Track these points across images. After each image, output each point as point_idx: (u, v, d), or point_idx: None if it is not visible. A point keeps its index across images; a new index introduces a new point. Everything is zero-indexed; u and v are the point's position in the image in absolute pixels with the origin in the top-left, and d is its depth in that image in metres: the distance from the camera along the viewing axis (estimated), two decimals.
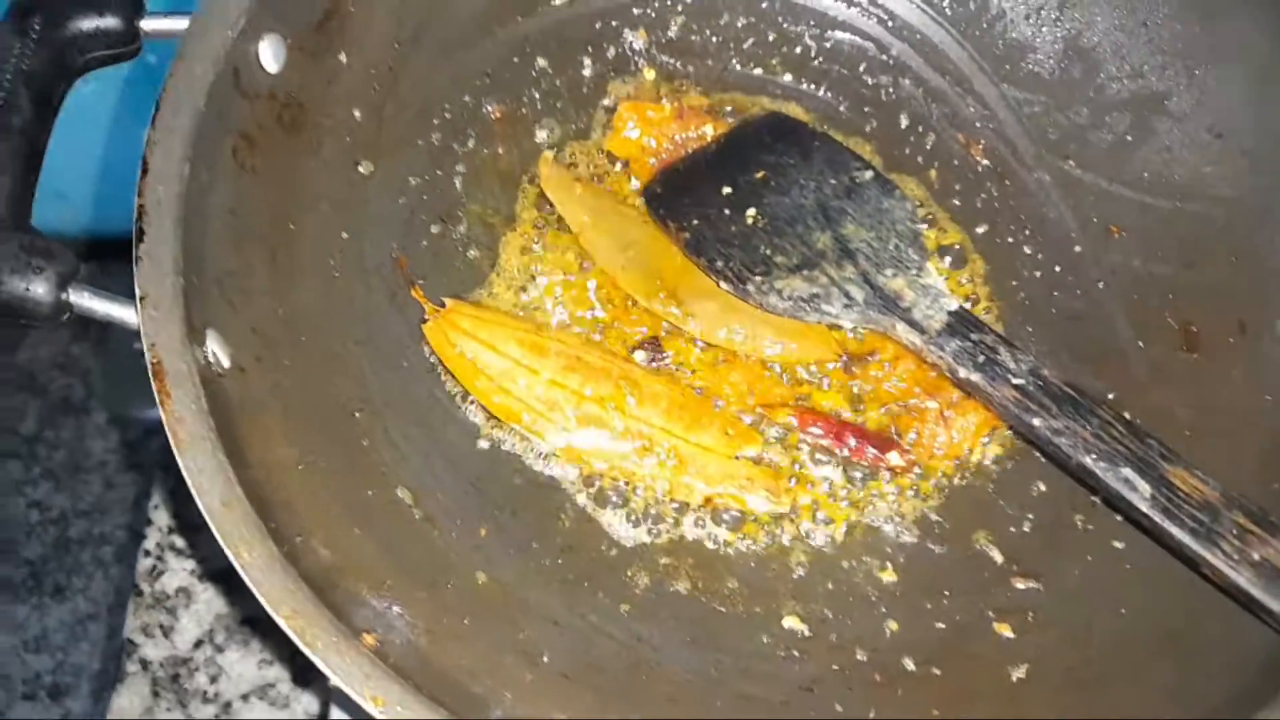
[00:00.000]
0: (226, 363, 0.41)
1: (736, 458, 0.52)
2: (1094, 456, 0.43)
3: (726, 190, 0.56)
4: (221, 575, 0.72)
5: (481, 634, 0.43)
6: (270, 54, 0.47)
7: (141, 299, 0.38)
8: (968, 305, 0.53)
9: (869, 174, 0.56)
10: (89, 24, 0.43)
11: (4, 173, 0.38)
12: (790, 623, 0.48)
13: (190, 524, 0.74)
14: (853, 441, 0.52)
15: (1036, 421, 0.45)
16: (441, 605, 0.43)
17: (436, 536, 0.46)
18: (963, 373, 0.47)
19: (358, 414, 0.48)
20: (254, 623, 0.70)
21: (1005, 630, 0.46)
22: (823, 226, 0.54)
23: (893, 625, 0.48)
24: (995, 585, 0.49)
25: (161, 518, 0.76)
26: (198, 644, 0.70)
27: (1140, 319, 0.53)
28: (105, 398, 1.62)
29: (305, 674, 0.68)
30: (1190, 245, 0.53)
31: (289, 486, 0.40)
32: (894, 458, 0.52)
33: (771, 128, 0.59)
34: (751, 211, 0.55)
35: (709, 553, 0.51)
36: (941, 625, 0.47)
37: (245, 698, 0.68)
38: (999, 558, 0.50)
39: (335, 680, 0.33)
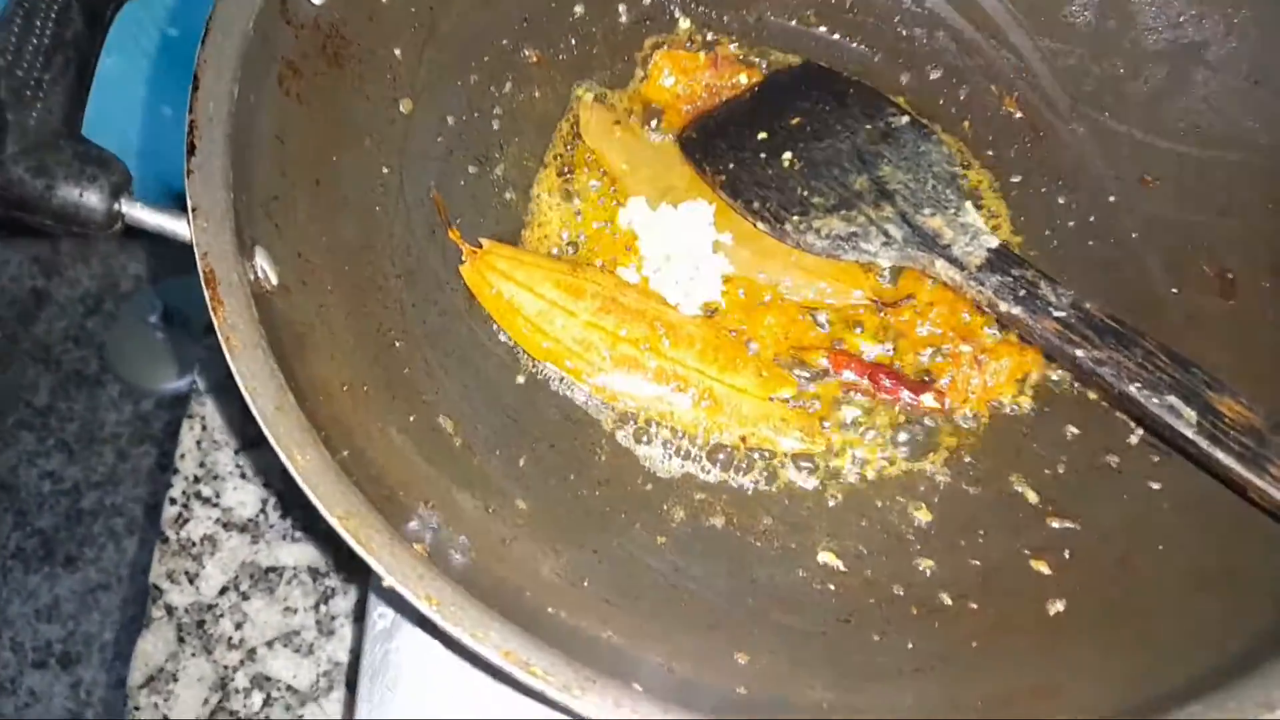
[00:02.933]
0: (275, 280, 0.41)
1: (770, 399, 0.53)
2: (1138, 385, 0.43)
3: (762, 136, 0.56)
4: (247, 524, 0.72)
5: (524, 556, 0.43)
6: None
7: (193, 210, 0.38)
8: None
9: (905, 119, 0.56)
10: None
11: (57, 84, 0.38)
12: (825, 558, 0.49)
13: (216, 473, 0.74)
14: (887, 383, 0.52)
15: (1079, 353, 0.45)
16: (483, 526, 0.43)
17: (476, 463, 0.47)
18: (1004, 307, 0.48)
19: (398, 344, 0.48)
20: (278, 571, 0.71)
21: (1042, 567, 0.47)
22: (859, 169, 0.54)
23: (928, 562, 0.48)
24: (1031, 525, 0.49)
25: (188, 466, 0.76)
26: (223, 591, 0.70)
27: (1175, 267, 0.53)
28: (118, 370, 1.63)
29: (329, 623, 0.69)
30: (1226, 193, 0.53)
31: (335, 405, 0.41)
32: (928, 399, 0.52)
33: (806, 76, 0.59)
34: (787, 155, 0.55)
35: (743, 490, 0.51)
36: (977, 562, 0.48)
37: (270, 644, 0.69)
38: (1034, 498, 0.50)
39: (389, 580, 0.33)
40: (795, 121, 0.56)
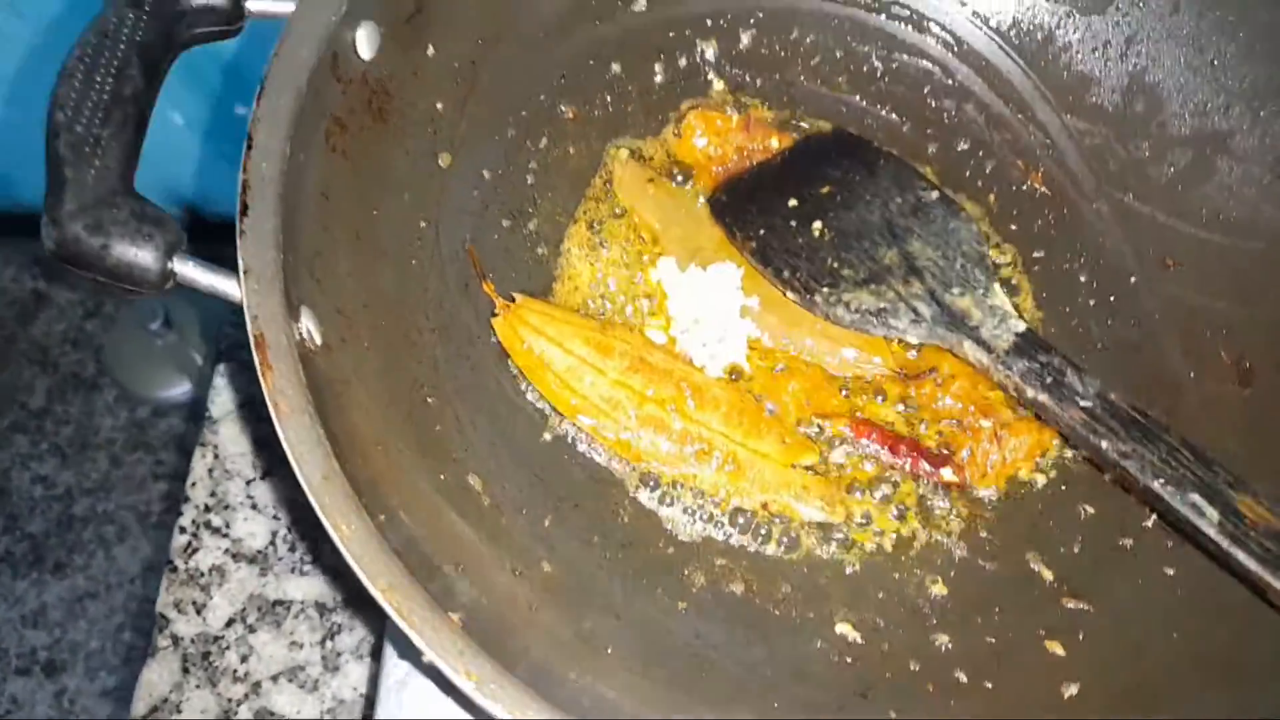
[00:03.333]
0: (319, 339, 0.41)
1: (793, 467, 0.53)
2: (1162, 481, 0.44)
3: (792, 203, 0.57)
4: (256, 556, 0.72)
5: (550, 623, 0.43)
6: (366, 41, 0.48)
7: (245, 272, 0.39)
8: None
9: (934, 194, 0.57)
10: (199, 0, 0.44)
11: (116, 141, 0.39)
12: (843, 629, 0.49)
13: (227, 503, 0.74)
14: (906, 454, 0.53)
15: (1104, 444, 0.45)
16: (510, 591, 0.44)
17: (504, 524, 0.47)
18: (1030, 393, 0.48)
19: (430, 400, 0.49)
20: (286, 605, 0.71)
21: (1056, 648, 0.47)
22: (889, 243, 0.55)
23: (944, 638, 0.49)
24: (1045, 604, 0.49)
25: (199, 495, 0.76)
26: (229, 623, 0.70)
27: (1194, 351, 0.54)
28: (116, 376, 1.62)
29: (335, 659, 0.69)
30: (1246, 281, 0.54)
31: (372, 466, 0.41)
32: (947, 473, 0.52)
33: (838, 144, 0.60)
34: (818, 225, 0.56)
35: (763, 556, 0.51)
36: (992, 640, 0.48)
37: (275, 679, 0.69)
38: (1049, 576, 0.50)
39: (430, 655, 0.33)
40: (826, 190, 0.57)
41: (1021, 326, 0.51)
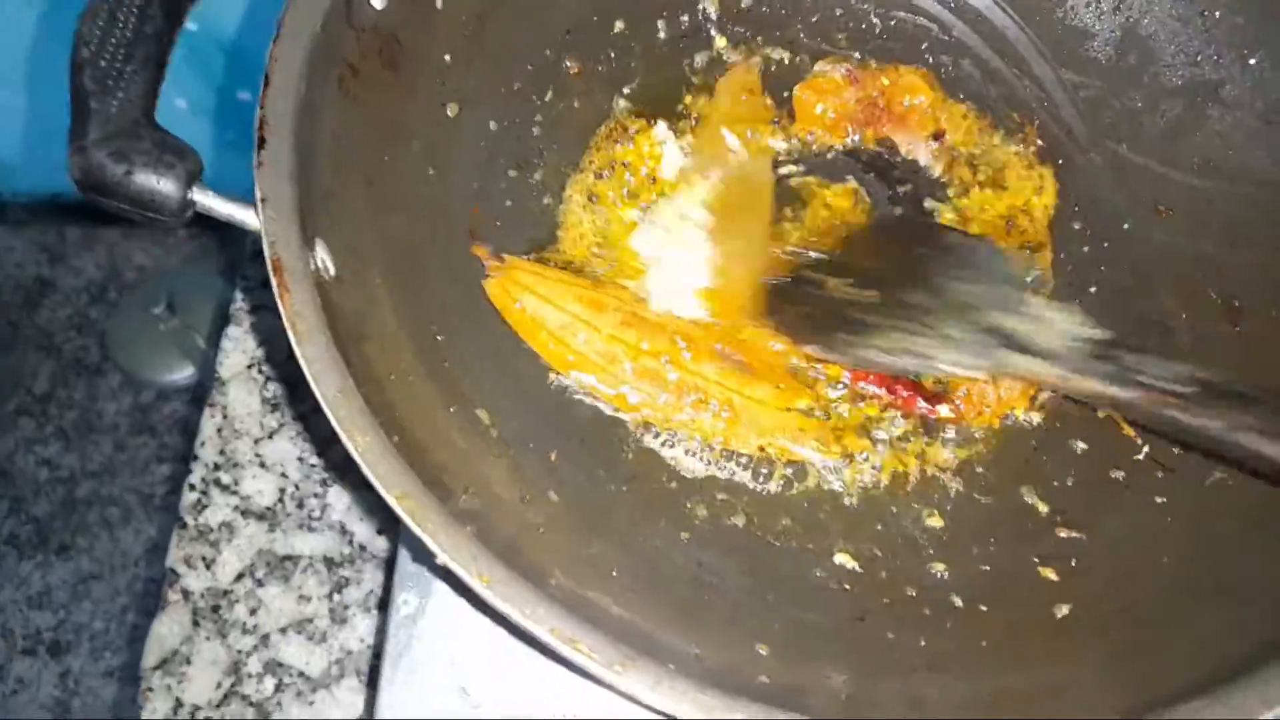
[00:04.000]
0: (333, 270, 0.43)
1: (788, 410, 0.54)
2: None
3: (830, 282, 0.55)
4: (264, 513, 0.73)
5: (557, 544, 0.45)
6: None
7: (262, 200, 0.40)
8: None
9: (958, 235, 0.55)
10: None
11: (138, 75, 0.40)
12: (841, 559, 0.50)
13: (236, 461, 0.75)
14: (904, 393, 0.54)
15: (1209, 423, 0.44)
16: (519, 515, 0.45)
17: (512, 454, 0.48)
18: (1117, 392, 0.47)
19: (439, 337, 0.50)
20: (294, 559, 0.72)
21: (1050, 574, 0.49)
22: (914, 283, 0.52)
23: (940, 566, 0.50)
24: (1040, 534, 0.51)
25: (208, 453, 0.77)
26: (238, 577, 0.71)
27: (1185, 293, 0.56)
28: (120, 360, 1.63)
29: (343, 611, 0.70)
30: (1236, 226, 0.55)
31: (386, 392, 0.42)
32: (944, 410, 0.54)
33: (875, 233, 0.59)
34: (836, 281, 0.54)
35: (764, 492, 0.53)
36: (987, 568, 0.50)
37: (283, 631, 0.70)
38: (1043, 509, 0.52)
39: (443, 557, 0.35)
40: (866, 266, 0.55)
41: (1102, 334, 0.48)
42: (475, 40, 0.56)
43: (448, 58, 0.55)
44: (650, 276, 0.56)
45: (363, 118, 0.49)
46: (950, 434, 0.54)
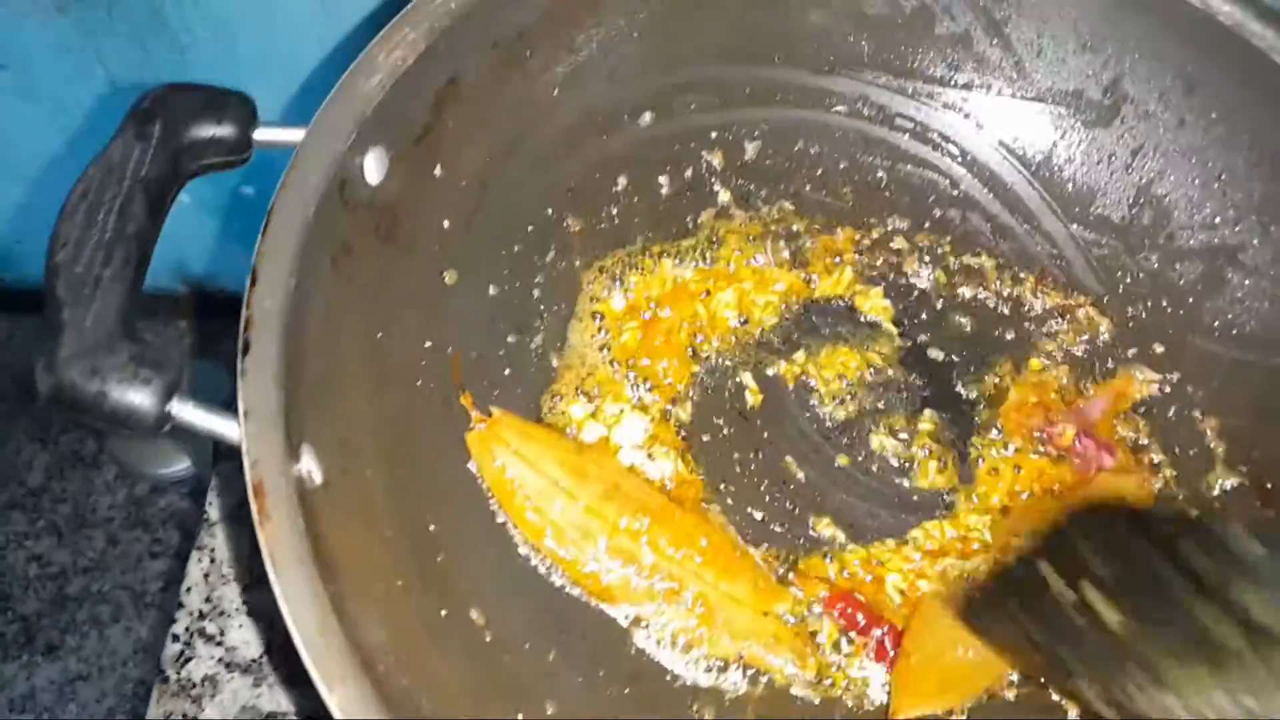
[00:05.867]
0: (320, 478, 0.40)
1: (765, 614, 0.51)
2: None
3: (1065, 594, 0.46)
4: (250, 666, 0.70)
5: None
6: (374, 166, 0.48)
7: (245, 413, 0.38)
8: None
9: (1238, 528, 0.44)
10: (206, 132, 0.44)
11: (117, 281, 0.38)
12: None
13: (222, 609, 0.72)
14: (877, 635, 0.51)
15: None
16: None
17: (508, 661, 0.46)
18: None
19: (433, 527, 0.48)
20: (280, 718, 0.68)
21: None
22: (1216, 610, 0.42)
23: None
24: None
25: (194, 601, 0.74)
26: None
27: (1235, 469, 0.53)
28: (115, 453, 1.61)
29: None
30: (1263, 399, 0.53)
31: (372, 607, 0.40)
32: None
33: (1074, 520, 0.50)
34: (1112, 613, 0.44)
35: (774, 690, 0.50)
36: None
37: None
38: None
39: None
40: (1107, 571, 0.46)
41: None
42: (475, 204, 0.55)
43: (446, 224, 0.53)
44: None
45: (356, 297, 0.47)
46: None
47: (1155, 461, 0.55)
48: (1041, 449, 0.55)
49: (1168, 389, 0.56)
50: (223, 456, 0.77)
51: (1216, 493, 0.53)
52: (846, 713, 0.49)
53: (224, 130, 0.44)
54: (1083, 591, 0.44)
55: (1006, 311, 0.60)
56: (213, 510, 0.75)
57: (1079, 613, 0.44)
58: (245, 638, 0.71)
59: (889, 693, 0.49)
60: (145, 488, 1.62)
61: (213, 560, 0.74)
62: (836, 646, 0.51)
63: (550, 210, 0.58)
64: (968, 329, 0.59)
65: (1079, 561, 0.45)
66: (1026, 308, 0.60)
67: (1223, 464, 0.54)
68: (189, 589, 0.75)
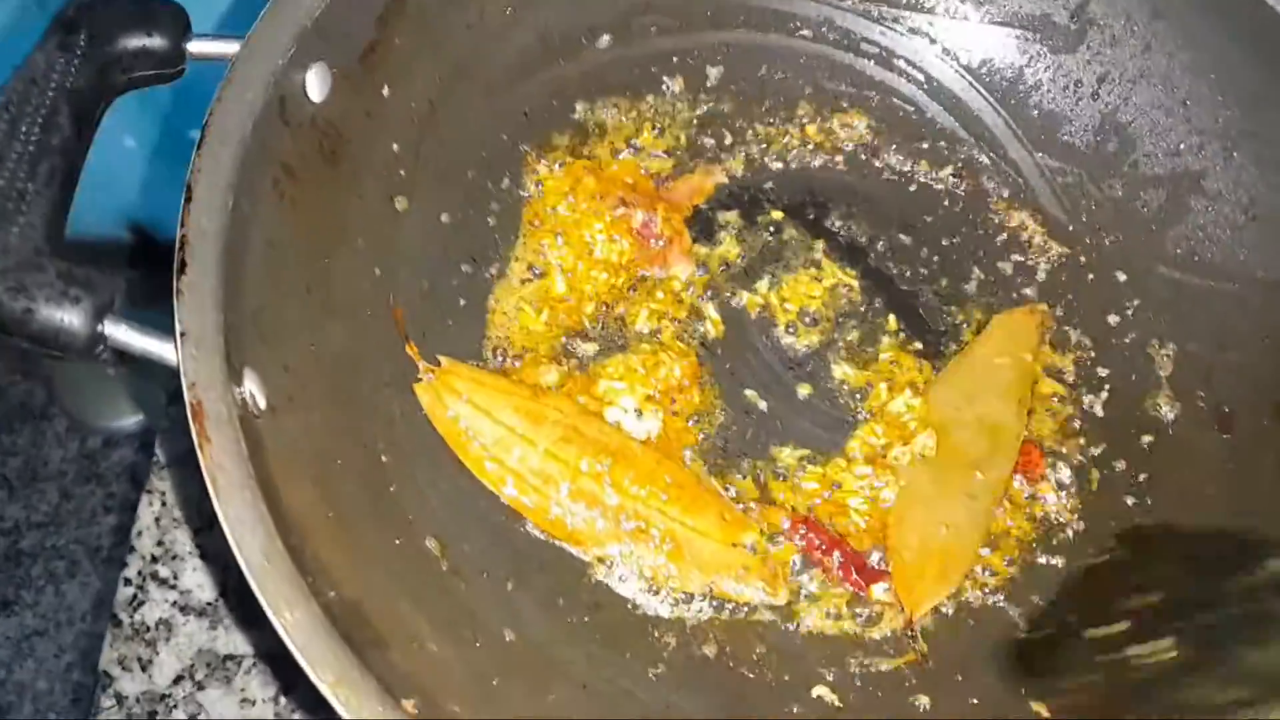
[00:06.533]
0: (263, 403, 0.39)
1: (733, 545, 0.51)
2: None
3: (1112, 630, 0.46)
4: (205, 609, 0.69)
5: (511, 696, 0.41)
6: (316, 83, 0.45)
7: (182, 335, 0.36)
8: None
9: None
10: (135, 43, 0.41)
11: (42, 196, 0.36)
12: (820, 692, 0.47)
13: (175, 553, 0.71)
14: (838, 558, 0.50)
15: None
16: (470, 666, 0.41)
17: (464, 589, 0.45)
18: None
19: (384, 458, 0.46)
20: (236, 659, 0.67)
21: (1042, 710, 0.46)
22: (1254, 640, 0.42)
23: (924, 699, 0.47)
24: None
25: (145, 544, 0.73)
26: (177, 679, 0.67)
27: (1174, 396, 0.53)
28: (66, 406, 1.58)
29: (289, 715, 0.66)
30: (1223, 326, 0.53)
31: (320, 535, 0.39)
32: (879, 589, 0.50)
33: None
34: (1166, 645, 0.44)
35: (735, 619, 0.49)
36: (976, 701, 0.47)
37: None
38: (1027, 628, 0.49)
39: None
40: (1148, 601, 0.46)
41: None
42: (426, 128, 0.53)
43: (396, 147, 0.51)
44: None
45: (300, 221, 0.45)
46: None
47: (1102, 376, 0.55)
48: None
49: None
50: (173, 399, 0.75)
51: (1151, 414, 0.53)
52: (808, 634, 0.49)
53: (154, 41, 0.42)
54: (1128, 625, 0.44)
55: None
56: (162, 453, 0.73)
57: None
58: (199, 581, 0.69)
59: (895, 597, 0.49)
60: (97, 441, 1.60)
61: (164, 504, 0.72)
62: (799, 571, 0.50)
63: (505, 136, 0.56)
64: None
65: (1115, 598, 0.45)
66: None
67: (1166, 392, 0.54)
68: (139, 533, 0.73)
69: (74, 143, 0.38)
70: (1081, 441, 0.53)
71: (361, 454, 0.45)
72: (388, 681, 0.33)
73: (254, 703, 0.66)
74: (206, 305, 0.37)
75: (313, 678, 0.32)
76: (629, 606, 0.48)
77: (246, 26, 0.43)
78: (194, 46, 0.43)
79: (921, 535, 0.51)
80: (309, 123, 0.46)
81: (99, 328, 0.36)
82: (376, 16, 0.48)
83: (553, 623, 0.46)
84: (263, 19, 0.43)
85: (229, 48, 0.43)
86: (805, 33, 0.60)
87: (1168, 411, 0.53)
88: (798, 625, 0.49)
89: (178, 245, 0.38)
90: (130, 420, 1.58)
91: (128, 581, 0.70)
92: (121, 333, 0.37)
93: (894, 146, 0.61)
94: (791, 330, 0.56)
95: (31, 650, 1.47)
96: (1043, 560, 0.51)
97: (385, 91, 0.50)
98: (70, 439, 1.61)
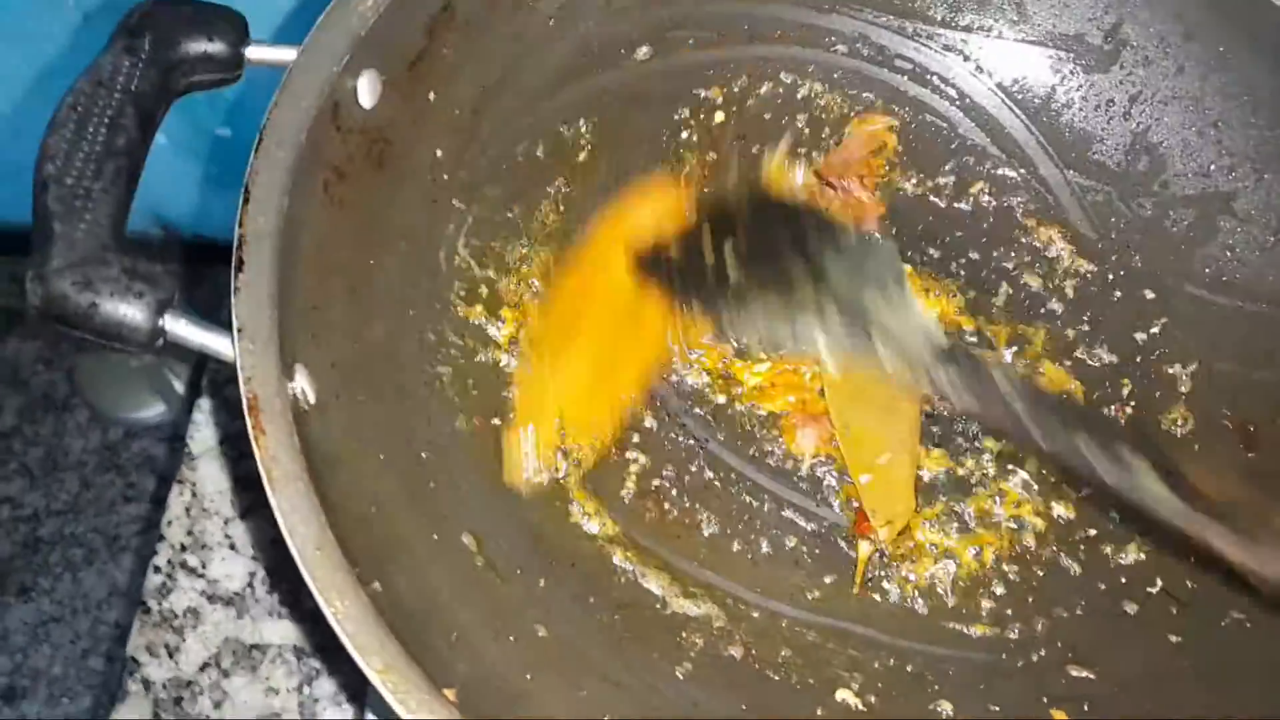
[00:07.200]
0: (313, 398, 0.40)
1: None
2: (1103, 464, 0.44)
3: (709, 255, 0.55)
4: (232, 598, 0.70)
5: (545, 691, 0.42)
6: (367, 89, 0.47)
7: (239, 330, 0.37)
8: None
9: (849, 227, 0.55)
10: (197, 48, 0.42)
11: (108, 194, 0.38)
12: (844, 696, 0.48)
13: (204, 543, 0.72)
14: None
15: (1039, 434, 0.45)
16: (505, 659, 0.42)
17: (499, 585, 0.46)
18: (955, 398, 0.48)
19: (424, 454, 0.47)
20: (262, 649, 0.69)
21: (1062, 716, 0.46)
22: (800, 261, 0.52)
23: (947, 706, 0.48)
24: (1050, 671, 0.49)
25: (175, 533, 0.74)
26: (203, 667, 0.68)
27: (1198, 413, 0.54)
28: (88, 397, 1.60)
29: (312, 705, 0.67)
30: (1250, 346, 0.54)
31: (365, 530, 0.40)
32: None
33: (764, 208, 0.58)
34: (735, 272, 0.54)
35: (762, 620, 0.50)
36: (996, 708, 0.47)
37: None
38: (1053, 642, 0.50)
39: None
40: (740, 239, 0.55)
41: (945, 341, 0.49)
42: (469, 134, 0.54)
43: (439, 153, 0.53)
44: None
45: (348, 222, 0.46)
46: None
47: (1124, 394, 0.56)
48: None
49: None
50: (205, 391, 0.76)
51: (1167, 429, 0.54)
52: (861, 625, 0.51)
53: (215, 46, 0.43)
54: (722, 252, 0.53)
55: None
56: (194, 444, 0.74)
57: (713, 267, 0.53)
58: (228, 570, 0.71)
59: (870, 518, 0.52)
60: (119, 432, 1.61)
61: (194, 494, 0.73)
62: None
63: (544, 143, 0.57)
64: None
65: (732, 232, 0.54)
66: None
67: (1189, 409, 0.55)
68: (169, 522, 0.75)
69: (138, 144, 0.39)
70: None
71: (402, 450, 0.46)
72: (431, 670, 0.34)
73: (278, 692, 0.67)
74: (262, 302, 0.39)
75: (361, 665, 0.33)
76: (657, 606, 0.49)
77: (298, 37, 0.44)
78: (252, 52, 0.44)
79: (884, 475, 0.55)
80: (359, 128, 0.47)
81: (159, 322, 0.37)
82: (426, 27, 0.49)
83: (584, 620, 0.47)
84: (318, 27, 0.44)
85: (286, 54, 0.44)
86: (840, 47, 0.61)
87: (1190, 428, 0.54)
88: (824, 627, 0.50)
89: (235, 244, 0.39)
90: (151, 412, 1.59)
91: (157, 569, 0.71)
92: (180, 327, 0.38)
93: (925, 161, 0.62)
94: None
95: (48, 636, 1.49)
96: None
97: (431, 97, 0.51)
98: (91, 429, 1.62)
